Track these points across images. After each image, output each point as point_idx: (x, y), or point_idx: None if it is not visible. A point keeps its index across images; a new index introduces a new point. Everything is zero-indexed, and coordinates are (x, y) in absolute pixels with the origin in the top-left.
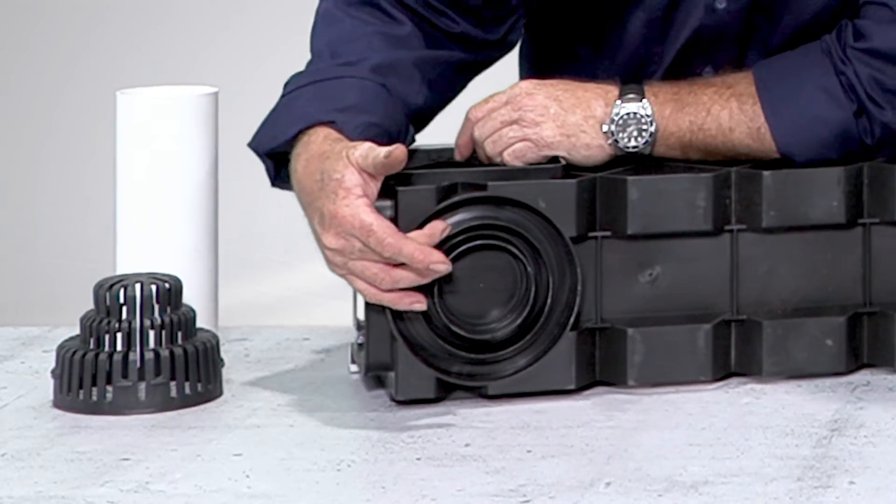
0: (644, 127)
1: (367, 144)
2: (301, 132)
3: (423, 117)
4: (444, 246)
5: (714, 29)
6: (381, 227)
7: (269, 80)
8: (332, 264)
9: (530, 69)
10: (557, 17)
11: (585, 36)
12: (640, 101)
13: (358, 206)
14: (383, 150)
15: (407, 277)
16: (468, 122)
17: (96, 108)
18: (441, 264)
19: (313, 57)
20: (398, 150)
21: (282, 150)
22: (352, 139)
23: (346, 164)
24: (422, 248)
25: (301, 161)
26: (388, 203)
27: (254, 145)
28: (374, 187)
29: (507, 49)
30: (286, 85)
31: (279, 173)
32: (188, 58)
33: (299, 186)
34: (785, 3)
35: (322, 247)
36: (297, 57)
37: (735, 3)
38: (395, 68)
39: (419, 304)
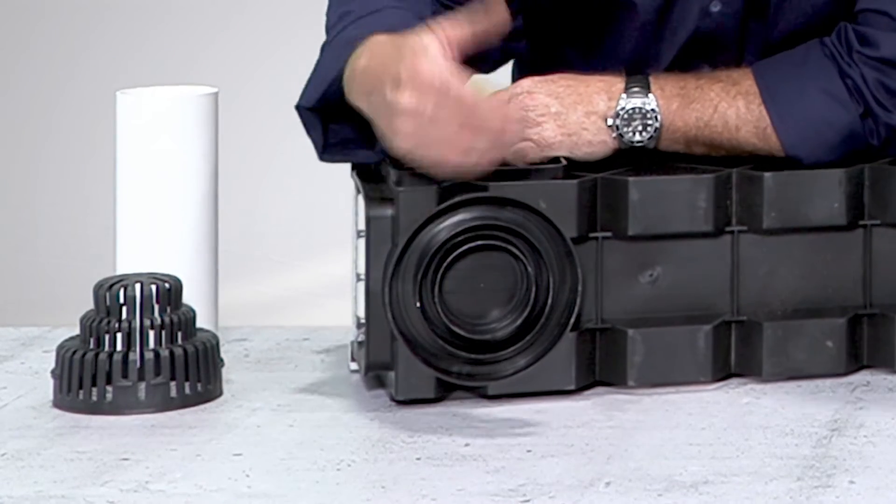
0: (649, 122)
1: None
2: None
3: None
4: (444, 246)
5: (710, 33)
6: (459, 83)
7: (269, 80)
8: (402, 136)
9: (520, 74)
10: (547, 20)
11: (576, 40)
12: (646, 95)
13: (437, 61)
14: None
15: (481, 144)
16: None
17: (96, 108)
18: (514, 125)
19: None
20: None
21: (334, 96)
22: None
23: (427, 31)
24: (499, 107)
25: (363, 58)
26: (388, 207)
27: (303, 101)
28: (451, 55)
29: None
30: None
31: (326, 134)
32: (188, 58)
33: (365, 71)
34: (779, 7)
35: (393, 117)
36: (297, 57)
37: (729, 7)
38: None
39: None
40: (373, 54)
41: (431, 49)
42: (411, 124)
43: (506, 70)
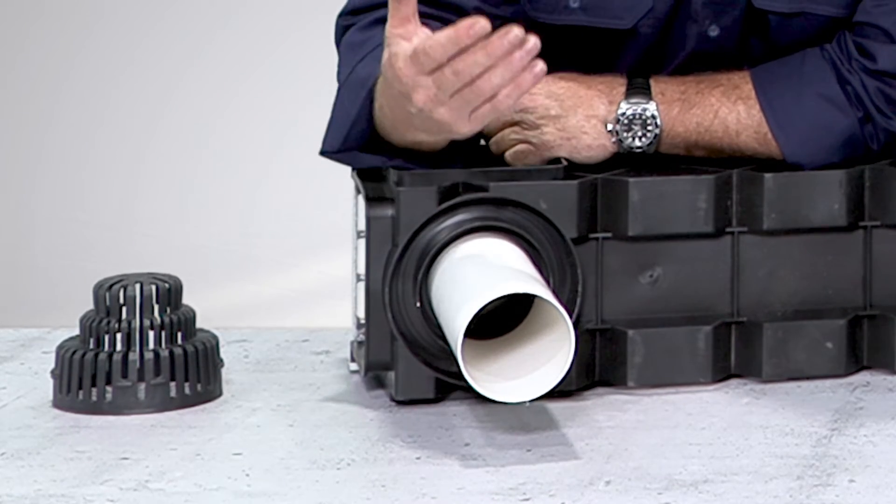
0: (650, 128)
1: None
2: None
3: None
4: (445, 246)
5: (708, 54)
6: (424, 43)
7: (269, 80)
8: (441, 107)
9: None
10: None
11: (573, 62)
12: (647, 101)
13: (399, 48)
14: None
15: (496, 72)
16: None
17: (96, 108)
18: (478, 26)
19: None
20: None
21: (355, 139)
22: None
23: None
24: (455, 28)
25: (378, 101)
26: (389, 207)
27: (326, 147)
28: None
29: None
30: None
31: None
32: (188, 58)
33: (384, 109)
34: (780, 25)
35: (429, 111)
36: (297, 57)
37: (728, 31)
38: None
39: (538, 69)
40: (382, 94)
41: (390, 47)
42: (440, 96)
43: None
